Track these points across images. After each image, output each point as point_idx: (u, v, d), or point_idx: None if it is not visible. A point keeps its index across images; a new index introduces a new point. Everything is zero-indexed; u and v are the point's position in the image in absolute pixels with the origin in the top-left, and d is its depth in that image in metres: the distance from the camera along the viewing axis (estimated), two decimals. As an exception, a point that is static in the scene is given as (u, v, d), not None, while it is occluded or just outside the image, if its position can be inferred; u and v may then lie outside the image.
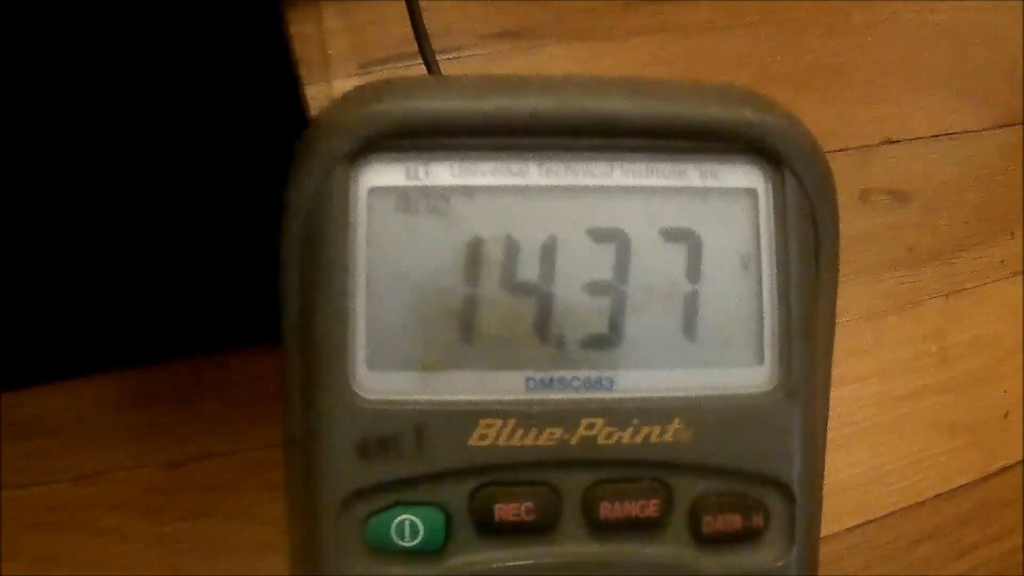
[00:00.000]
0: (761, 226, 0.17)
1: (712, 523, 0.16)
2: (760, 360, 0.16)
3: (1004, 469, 0.32)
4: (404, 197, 0.16)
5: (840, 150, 0.37)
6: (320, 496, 0.15)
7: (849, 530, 0.29)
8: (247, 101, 0.23)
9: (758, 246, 0.17)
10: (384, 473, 0.15)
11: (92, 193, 0.25)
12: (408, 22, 0.27)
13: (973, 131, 0.40)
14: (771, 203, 0.17)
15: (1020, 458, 0.32)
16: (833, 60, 0.38)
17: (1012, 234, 0.36)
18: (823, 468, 0.18)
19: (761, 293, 0.17)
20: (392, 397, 0.15)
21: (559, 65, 0.33)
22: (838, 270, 0.18)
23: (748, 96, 0.17)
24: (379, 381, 0.15)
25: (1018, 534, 0.31)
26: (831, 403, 0.17)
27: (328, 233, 0.16)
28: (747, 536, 0.17)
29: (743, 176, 0.17)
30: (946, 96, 0.41)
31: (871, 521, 0.29)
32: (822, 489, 0.18)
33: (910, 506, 0.30)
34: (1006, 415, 0.32)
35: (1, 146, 0.23)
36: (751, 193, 0.17)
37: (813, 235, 0.17)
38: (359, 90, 0.16)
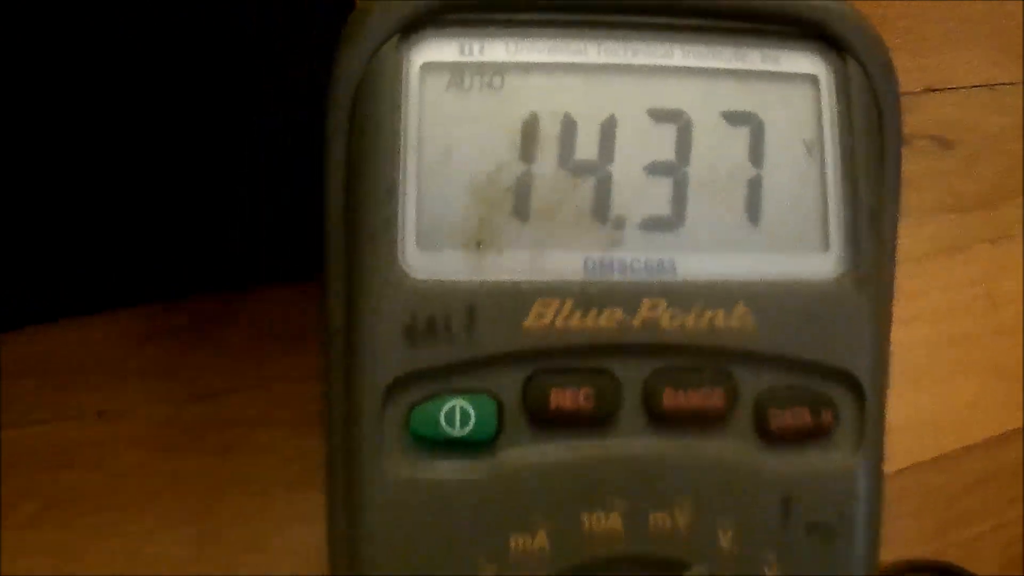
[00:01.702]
0: (824, 112, 0.16)
1: (778, 418, 0.16)
2: (826, 247, 0.16)
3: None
4: (458, 73, 0.15)
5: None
6: (364, 384, 0.15)
7: (899, 472, 0.29)
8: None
9: (821, 132, 0.16)
10: (433, 357, 0.15)
11: (118, 118, 0.25)
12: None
13: (1013, 83, 0.40)
14: (834, 89, 0.16)
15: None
16: (877, 10, 0.38)
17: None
18: (889, 366, 0.17)
19: (825, 179, 0.16)
20: (442, 277, 0.15)
21: None
22: (900, 163, 0.17)
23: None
24: (429, 260, 0.15)
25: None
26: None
27: (378, 111, 0.15)
28: (814, 434, 0.16)
29: (805, 62, 0.17)
30: (987, 49, 0.40)
31: (921, 463, 0.29)
32: (888, 388, 0.17)
33: (961, 449, 0.29)
34: (1057, 363, 0.32)
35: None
36: (813, 79, 0.17)
37: (878, 123, 0.17)
38: None
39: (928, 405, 0.30)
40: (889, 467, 0.28)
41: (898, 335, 0.30)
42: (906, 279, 0.32)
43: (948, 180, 0.35)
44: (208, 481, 0.27)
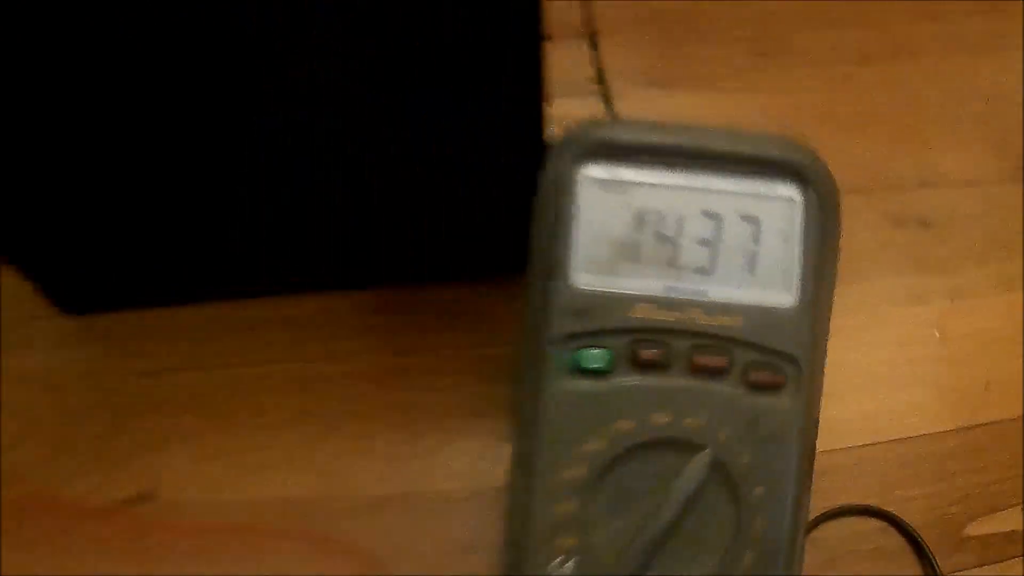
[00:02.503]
0: (795, 218, 0.32)
1: (754, 375, 0.32)
2: (789, 289, 0.32)
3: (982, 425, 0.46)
4: (604, 184, 0.32)
5: (884, 188, 0.52)
6: (548, 336, 0.32)
7: (860, 447, 0.44)
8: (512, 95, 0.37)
9: (792, 228, 0.32)
10: (583, 326, 0.31)
11: (377, 148, 0.39)
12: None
13: (995, 181, 0.54)
14: (803, 206, 0.33)
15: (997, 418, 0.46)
16: (887, 111, 0.54)
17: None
18: (823, 361, 0.33)
19: (793, 253, 0.32)
20: (590, 288, 0.31)
21: (687, 110, 0.49)
22: (838, 247, 0.33)
23: (793, 142, 0.33)
24: (584, 279, 0.32)
25: (994, 470, 0.45)
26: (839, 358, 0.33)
27: (563, 199, 0.32)
28: (773, 387, 0.32)
29: (787, 190, 0.33)
30: (977, 150, 0.55)
31: (877, 443, 0.44)
32: (822, 373, 0.33)
33: (902, 438, 0.45)
34: (987, 386, 0.47)
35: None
36: (791, 200, 0.33)
37: (823, 226, 0.33)
38: (585, 121, 0.32)
39: (885, 406, 0.46)
40: (854, 441, 0.44)
41: (867, 355, 0.45)
42: (880, 318, 0.48)
43: (923, 250, 0.50)
44: (405, 407, 0.44)
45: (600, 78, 0.40)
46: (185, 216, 0.40)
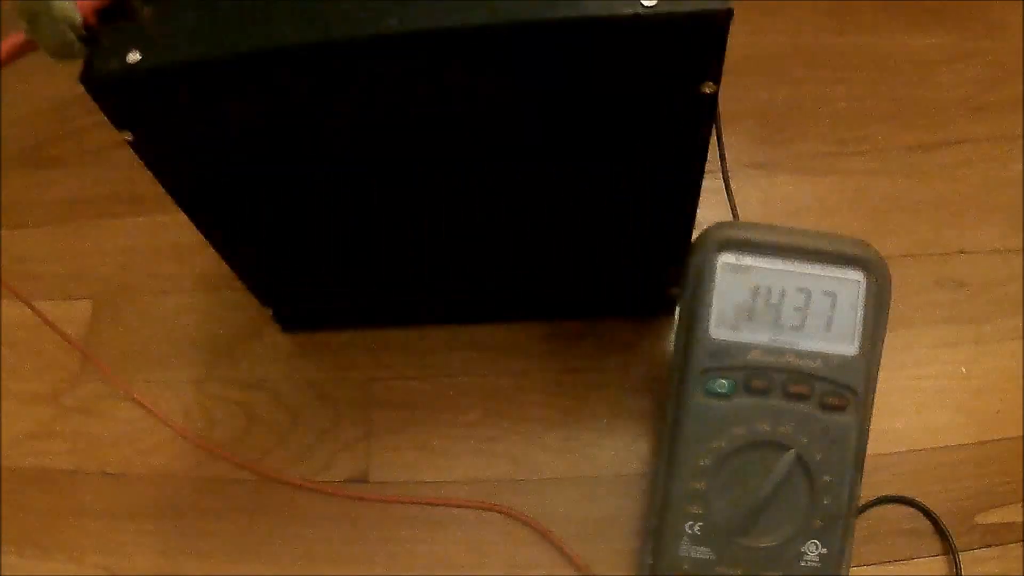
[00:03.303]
0: (860, 294, 0.50)
1: (828, 400, 0.49)
2: (853, 343, 0.49)
3: (993, 440, 0.62)
4: (733, 267, 0.50)
5: (930, 254, 0.69)
6: (690, 369, 0.49)
7: (905, 452, 0.61)
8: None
9: (858, 301, 0.50)
10: (715, 363, 0.49)
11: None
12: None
13: (1020, 251, 0.70)
14: (865, 286, 0.50)
15: (1005, 436, 0.62)
16: (936, 191, 0.70)
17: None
18: (874, 390, 0.50)
19: (857, 318, 0.50)
20: (721, 338, 0.49)
21: (781, 188, 0.67)
22: (888, 313, 0.51)
23: (861, 242, 0.49)
24: (717, 331, 0.49)
25: (1000, 475, 0.61)
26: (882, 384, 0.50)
27: (705, 276, 0.50)
28: (840, 408, 0.49)
29: (855, 275, 0.50)
30: (1007, 224, 0.71)
31: (915, 451, 0.61)
32: (873, 399, 0.50)
33: (929, 448, 0.62)
34: (998, 412, 0.63)
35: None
36: (858, 282, 0.50)
37: (878, 300, 0.50)
38: (723, 223, 0.50)
39: (919, 423, 0.62)
40: (894, 448, 0.61)
41: (907, 385, 0.63)
42: (919, 357, 0.65)
43: (957, 305, 0.67)
44: (567, 411, 0.62)
45: (722, 163, 0.56)
46: (397, 263, 0.57)
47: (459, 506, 0.58)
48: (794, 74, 0.71)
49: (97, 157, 0.80)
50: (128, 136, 0.43)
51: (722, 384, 0.47)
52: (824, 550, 0.48)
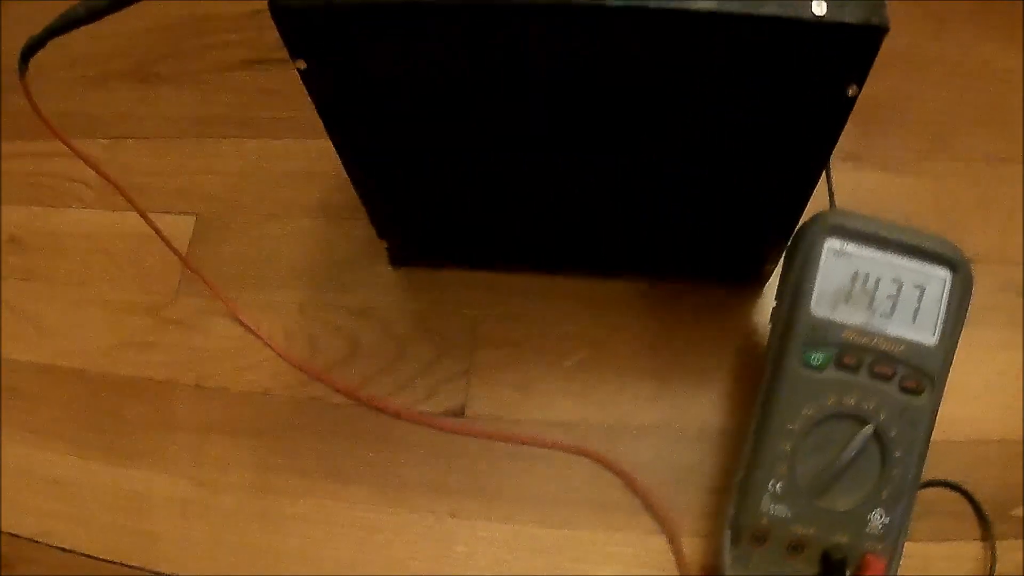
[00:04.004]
0: (946, 290, 0.56)
1: (907, 382, 0.54)
2: (934, 333, 0.55)
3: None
4: (837, 253, 0.55)
5: (996, 260, 0.74)
6: (794, 346, 0.55)
7: (950, 441, 0.67)
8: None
9: (942, 296, 0.56)
10: (812, 338, 0.55)
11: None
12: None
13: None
14: (951, 283, 0.56)
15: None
16: (1009, 200, 0.76)
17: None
18: (946, 379, 0.56)
19: (940, 311, 0.55)
20: (820, 315, 0.55)
21: (870, 183, 0.72)
22: (967, 310, 0.57)
23: (949, 243, 0.55)
24: (817, 309, 0.55)
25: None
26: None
27: (811, 258, 0.55)
28: (917, 391, 0.55)
29: (942, 272, 0.55)
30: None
31: (963, 441, 0.67)
32: (944, 387, 0.56)
33: (983, 440, 0.68)
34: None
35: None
36: (944, 279, 0.56)
37: (960, 297, 0.56)
38: (831, 211, 0.56)
39: (978, 414, 0.67)
40: (954, 437, 0.67)
41: (970, 380, 0.69)
42: (980, 356, 0.70)
43: (1018, 313, 0.73)
44: (660, 365, 0.68)
45: (828, 176, 0.62)
46: (518, 213, 0.62)
47: (550, 446, 0.64)
48: (890, 73, 0.76)
49: (204, 79, 0.84)
50: (301, 65, 0.47)
51: (817, 357, 0.53)
52: (887, 519, 0.54)
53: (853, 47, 0.42)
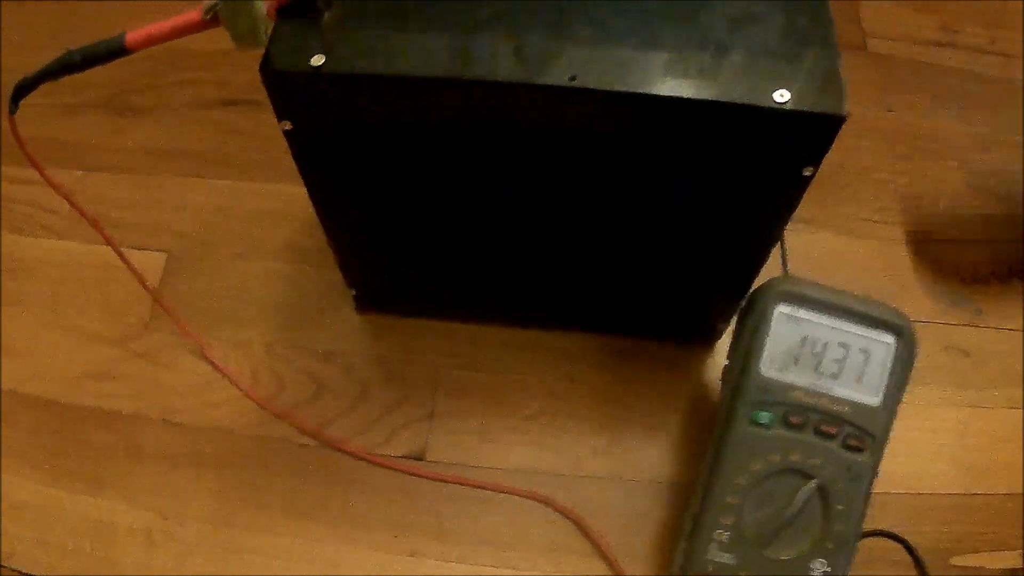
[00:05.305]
0: (891, 355, 0.61)
1: (851, 441, 0.59)
2: (878, 395, 0.60)
3: (980, 494, 0.74)
4: (787, 317, 0.60)
5: (943, 323, 0.80)
6: (743, 405, 0.60)
7: (891, 494, 0.72)
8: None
9: (887, 360, 0.61)
10: (760, 398, 0.60)
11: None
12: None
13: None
14: (896, 349, 0.61)
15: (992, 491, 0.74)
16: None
17: None
18: (888, 437, 0.61)
19: (884, 375, 0.60)
20: (769, 376, 0.60)
21: (822, 244, 0.77)
22: (910, 374, 0.62)
23: (895, 310, 0.60)
24: (766, 370, 0.60)
25: (982, 525, 0.73)
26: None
27: (762, 322, 0.60)
28: (860, 449, 0.60)
29: (888, 338, 0.60)
30: (1015, 310, 0.82)
31: (903, 493, 0.72)
32: (886, 444, 0.62)
33: (924, 494, 0.73)
34: (987, 468, 0.75)
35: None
36: (889, 344, 0.61)
37: (904, 362, 0.61)
38: (782, 277, 0.61)
39: (918, 470, 0.72)
40: (895, 489, 0.72)
41: (911, 436, 0.74)
42: (923, 414, 0.76)
43: (961, 372, 0.78)
44: (616, 417, 0.72)
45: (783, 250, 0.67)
46: (483, 269, 0.65)
47: (507, 492, 0.68)
48: (845, 142, 0.82)
49: (179, 114, 0.87)
50: (287, 126, 0.50)
51: (765, 416, 0.58)
52: (829, 569, 0.58)
53: (812, 134, 0.46)
